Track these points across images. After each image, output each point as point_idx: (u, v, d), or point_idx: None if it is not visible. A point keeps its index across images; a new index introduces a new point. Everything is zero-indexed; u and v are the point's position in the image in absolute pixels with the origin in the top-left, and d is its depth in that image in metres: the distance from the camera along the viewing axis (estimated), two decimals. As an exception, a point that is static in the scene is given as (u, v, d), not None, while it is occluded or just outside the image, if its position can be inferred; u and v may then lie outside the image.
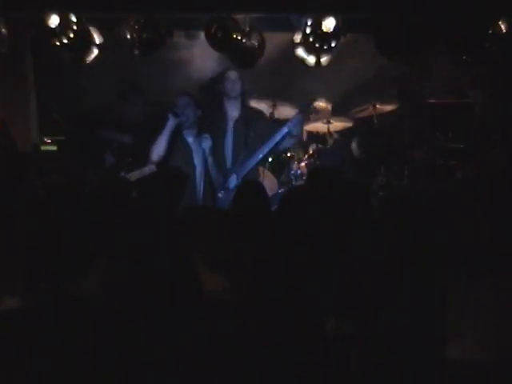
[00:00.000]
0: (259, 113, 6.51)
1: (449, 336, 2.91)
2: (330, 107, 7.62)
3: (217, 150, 5.99)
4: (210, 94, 6.69)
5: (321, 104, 7.56)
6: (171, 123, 5.83)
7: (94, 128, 6.11)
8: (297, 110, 6.36)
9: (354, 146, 6.12)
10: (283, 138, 6.04)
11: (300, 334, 2.44)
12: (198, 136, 5.95)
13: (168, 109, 5.93)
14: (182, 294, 2.84)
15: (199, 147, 5.90)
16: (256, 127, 6.08)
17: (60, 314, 2.58)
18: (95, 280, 3.05)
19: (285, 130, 5.97)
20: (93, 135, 6.13)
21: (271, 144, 5.96)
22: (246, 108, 6.35)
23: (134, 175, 5.70)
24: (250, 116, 6.20)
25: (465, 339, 2.91)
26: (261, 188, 4.54)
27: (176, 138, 5.96)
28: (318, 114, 7.51)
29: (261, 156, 6.02)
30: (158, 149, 5.85)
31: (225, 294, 2.48)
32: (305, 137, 7.53)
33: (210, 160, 5.89)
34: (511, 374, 2.82)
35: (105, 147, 6.09)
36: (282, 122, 6.23)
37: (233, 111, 6.18)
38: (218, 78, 6.44)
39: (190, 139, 6.02)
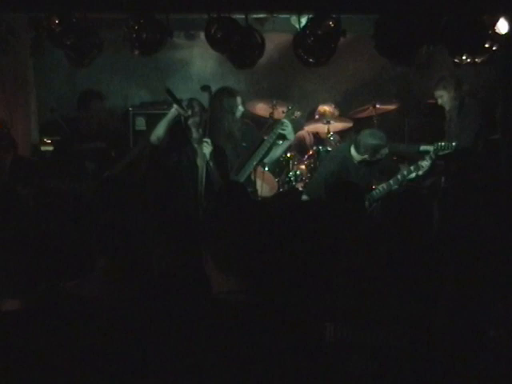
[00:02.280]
0: (250, 124, 6.71)
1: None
2: (336, 113, 7.66)
3: (218, 153, 6.04)
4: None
5: (327, 109, 7.59)
6: (174, 111, 6.01)
7: (73, 143, 6.44)
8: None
9: (352, 150, 6.11)
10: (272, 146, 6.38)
11: (299, 339, 2.44)
12: (201, 140, 5.99)
13: (170, 103, 6.10)
14: (189, 295, 2.84)
15: (202, 151, 5.97)
16: (247, 137, 6.40)
17: (60, 314, 2.58)
18: (95, 280, 3.06)
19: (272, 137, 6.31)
20: (73, 149, 6.43)
21: (262, 152, 6.27)
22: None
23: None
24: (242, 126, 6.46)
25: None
26: (242, 189, 4.82)
27: (182, 136, 6.03)
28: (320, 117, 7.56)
29: (254, 164, 6.31)
30: (158, 132, 6.08)
31: (239, 296, 2.47)
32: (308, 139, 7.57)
33: (211, 164, 5.94)
34: None
35: (84, 157, 6.37)
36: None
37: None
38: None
39: (195, 141, 6.05)
